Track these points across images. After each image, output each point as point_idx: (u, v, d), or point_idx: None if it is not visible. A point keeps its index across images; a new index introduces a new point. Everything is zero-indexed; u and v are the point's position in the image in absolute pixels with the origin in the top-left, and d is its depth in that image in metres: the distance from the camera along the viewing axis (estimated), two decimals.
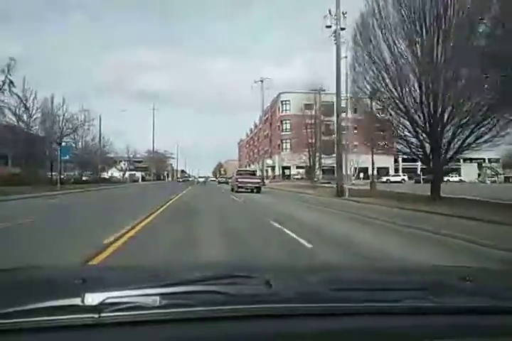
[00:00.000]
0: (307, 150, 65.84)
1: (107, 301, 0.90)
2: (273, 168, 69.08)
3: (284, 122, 64.74)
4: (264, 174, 78.76)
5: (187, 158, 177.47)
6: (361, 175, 57.40)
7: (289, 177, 63.00)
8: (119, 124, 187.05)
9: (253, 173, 32.14)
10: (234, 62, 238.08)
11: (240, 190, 26.65)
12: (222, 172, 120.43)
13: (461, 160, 71.23)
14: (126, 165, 63.93)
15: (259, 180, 29.33)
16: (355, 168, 56.05)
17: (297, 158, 61.68)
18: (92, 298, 0.91)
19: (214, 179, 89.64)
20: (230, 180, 42.55)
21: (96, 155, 56.78)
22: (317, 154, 53.43)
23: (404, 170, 71.47)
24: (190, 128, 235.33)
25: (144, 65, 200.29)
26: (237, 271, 1.27)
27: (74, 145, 49.45)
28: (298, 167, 63.43)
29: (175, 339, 0.86)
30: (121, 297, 0.93)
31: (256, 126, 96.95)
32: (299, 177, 57.45)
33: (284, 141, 64.70)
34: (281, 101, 64.82)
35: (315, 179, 57.09)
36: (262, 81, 42.75)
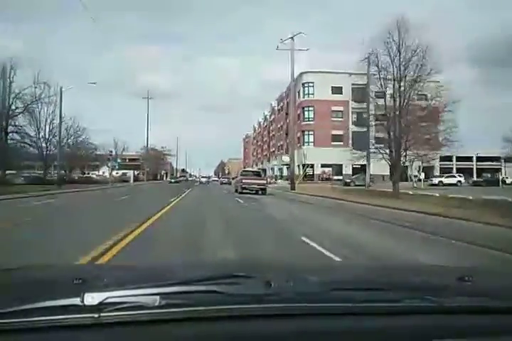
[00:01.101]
0: (335, 143, 53.76)
1: (106, 301, 0.90)
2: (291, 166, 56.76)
3: (305, 109, 52.48)
4: (279, 174, 66.80)
5: (188, 156, 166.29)
6: (421, 175, 44.91)
7: (312, 177, 50.70)
8: (120, 124, 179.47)
9: (258, 174, 29.36)
10: (237, 60, 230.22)
11: (244, 191, 24.80)
12: (227, 171, 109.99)
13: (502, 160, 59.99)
14: (111, 162, 51.16)
15: (264, 181, 27.23)
16: (420, 168, 43.83)
17: (323, 154, 49.62)
18: (92, 298, 0.90)
19: (216, 179, 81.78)
20: (233, 181, 40.18)
21: (72, 148, 44.86)
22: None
23: (441, 170, 59.04)
24: (191, 127, 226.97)
25: (144, 63, 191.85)
26: (237, 271, 1.22)
27: (36, 133, 37.42)
28: (324, 165, 51.22)
29: (175, 339, 0.87)
30: (120, 296, 0.93)
31: (266, 119, 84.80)
32: (338, 178, 44.76)
33: (305, 133, 52.43)
34: (303, 84, 52.64)
35: (348, 180, 44.97)
36: (292, 38, 30.31)
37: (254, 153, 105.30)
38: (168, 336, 0.86)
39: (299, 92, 54.80)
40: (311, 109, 51.87)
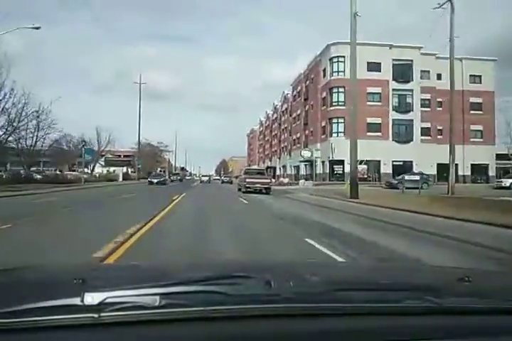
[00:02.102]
0: (372, 134, 42.85)
1: (106, 301, 0.90)
2: (312, 163, 46.09)
3: (334, 91, 41.79)
4: (294, 172, 56.13)
5: (188, 155, 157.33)
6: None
7: (342, 176, 40.05)
8: (119, 122, 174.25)
9: (262, 172, 27.47)
10: (238, 60, 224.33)
11: (248, 190, 23.54)
12: (230, 170, 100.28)
13: None
14: (84, 157, 39.19)
15: (268, 180, 25.48)
16: None
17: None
18: (92, 298, 0.90)
19: (218, 178, 76.59)
20: (236, 180, 38.65)
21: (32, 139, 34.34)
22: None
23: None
24: (192, 127, 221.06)
25: (145, 62, 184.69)
26: (237, 271, 1.23)
27: None
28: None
29: (175, 339, 0.87)
30: (120, 296, 0.93)
31: (276, 110, 74.19)
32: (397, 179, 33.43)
33: (333, 121, 41.73)
34: (331, 59, 41.95)
35: (394, 181, 34.23)
36: None
37: (261, 150, 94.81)
38: (168, 336, 0.86)
39: (324, 70, 44.14)
40: (341, 90, 41.12)
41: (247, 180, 24.52)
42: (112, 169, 67.10)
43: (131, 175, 64.67)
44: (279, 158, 68.97)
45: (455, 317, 0.99)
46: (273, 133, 76.65)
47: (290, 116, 59.80)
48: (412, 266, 3.28)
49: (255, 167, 50.63)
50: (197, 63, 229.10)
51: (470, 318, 0.99)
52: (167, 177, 45.68)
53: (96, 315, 0.85)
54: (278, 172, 68.63)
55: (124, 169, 70.18)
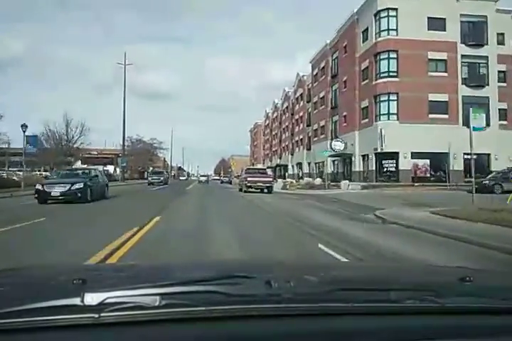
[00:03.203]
0: (435, 116, 31.54)
1: (106, 301, 0.91)
2: (345, 158, 34.91)
3: (382, 57, 30.55)
4: (316, 171, 45.11)
5: (187, 155, 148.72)
6: None
7: (394, 175, 28.96)
8: (117, 124, 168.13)
9: (264, 171, 27.53)
10: (238, 60, 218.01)
11: (249, 189, 23.82)
12: (233, 168, 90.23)
13: None
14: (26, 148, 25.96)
15: (270, 179, 25.53)
16: None
17: (413, 135, 27.75)
18: (92, 298, 0.91)
19: (217, 178, 73.99)
20: (237, 180, 37.26)
21: None
22: None
23: None
24: (191, 126, 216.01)
25: (145, 62, 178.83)
26: (237, 271, 1.24)
27: None
28: (415, 155, 29.19)
29: (175, 339, 0.88)
30: (120, 297, 0.93)
31: (287, 98, 63.08)
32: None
33: (381, 99, 30.52)
34: (377, 13, 30.74)
35: (487, 181, 23.10)
36: None
37: (267, 146, 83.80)
38: (168, 336, 0.87)
39: (365, 32, 32.94)
40: (392, 56, 30.00)
41: (249, 179, 24.60)
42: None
43: (116, 175, 53.78)
44: (292, 154, 57.92)
45: (455, 317, 0.98)
46: (283, 126, 65.55)
47: (308, 102, 48.76)
48: (413, 266, 3.08)
49: (258, 166, 48.03)
50: (196, 63, 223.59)
51: (470, 318, 0.98)
52: (105, 179, 19.38)
53: (96, 315, 0.85)
54: (291, 171, 57.68)
55: (111, 169, 59.75)
